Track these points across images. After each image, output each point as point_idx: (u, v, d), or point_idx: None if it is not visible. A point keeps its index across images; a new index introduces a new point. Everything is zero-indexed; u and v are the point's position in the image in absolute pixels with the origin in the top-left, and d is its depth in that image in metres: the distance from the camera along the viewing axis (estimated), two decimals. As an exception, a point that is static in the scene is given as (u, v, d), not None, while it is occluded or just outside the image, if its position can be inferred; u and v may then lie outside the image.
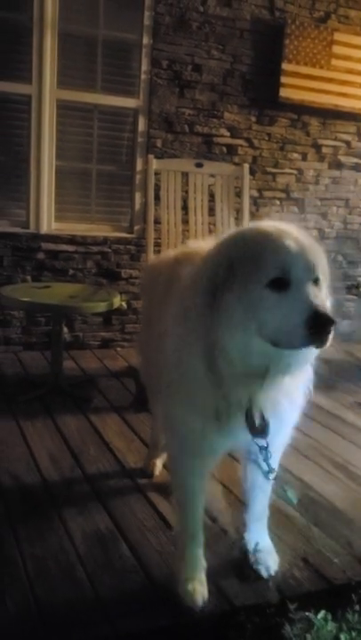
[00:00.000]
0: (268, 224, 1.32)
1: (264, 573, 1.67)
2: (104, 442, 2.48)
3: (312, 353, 1.32)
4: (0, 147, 3.56)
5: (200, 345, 1.31)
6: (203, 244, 1.79)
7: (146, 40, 3.65)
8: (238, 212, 3.22)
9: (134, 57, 3.69)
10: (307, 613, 1.51)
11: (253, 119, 3.99)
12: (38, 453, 2.33)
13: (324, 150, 4.25)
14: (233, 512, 1.96)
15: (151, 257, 2.94)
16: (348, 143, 4.31)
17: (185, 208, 3.10)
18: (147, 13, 3.62)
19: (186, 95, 3.79)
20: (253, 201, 4.01)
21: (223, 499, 2.06)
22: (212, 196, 3.14)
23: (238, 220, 3.20)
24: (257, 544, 1.72)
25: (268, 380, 1.31)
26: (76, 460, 2.30)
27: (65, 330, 3.53)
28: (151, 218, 3.03)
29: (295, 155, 4.17)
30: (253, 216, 4.01)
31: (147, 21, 3.63)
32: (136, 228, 3.85)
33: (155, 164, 3.03)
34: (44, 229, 3.66)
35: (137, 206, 3.84)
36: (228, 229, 3.08)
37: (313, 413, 2.53)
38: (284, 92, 3.93)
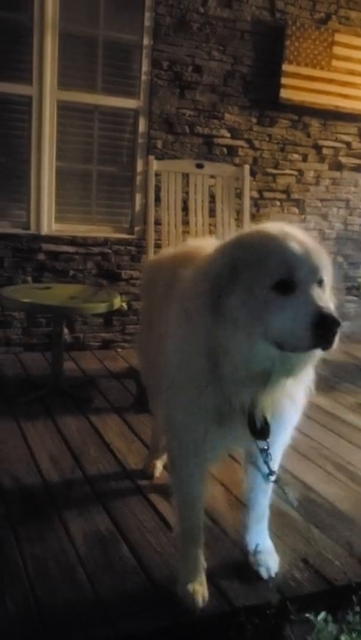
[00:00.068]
0: (272, 226, 1.32)
1: (264, 574, 1.67)
2: (104, 443, 2.48)
3: (316, 354, 1.32)
4: (0, 148, 3.57)
5: (202, 347, 1.31)
6: (203, 243, 1.79)
7: (146, 41, 3.65)
8: (239, 212, 3.22)
9: (135, 58, 3.69)
10: (307, 615, 1.51)
11: (254, 120, 3.99)
12: (39, 454, 2.33)
13: (325, 151, 4.25)
14: (233, 513, 1.96)
15: (151, 257, 2.94)
16: (348, 144, 4.31)
17: (185, 209, 3.11)
18: (147, 14, 3.62)
19: (186, 96, 3.79)
20: (254, 202, 4.01)
21: (223, 500, 2.06)
22: (212, 197, 3.14)
23: (239, 220, 3.20)
24: (257, 545, 1.71)
25: (272, 382, 1.30)
26: (77, 461, 2.30)
27: (65, 331, 3.53)
28: (152, 219, 3.04)
29: (296, 156, 4.17)
30: (254, 217, 4.01)
31: (147, 22, 3.63)
32: (136, 229, 3.85)
33: (155, 164, 3.04)
34: (45, 230, 3.66)
35: (137, 207, 3.84)
36: (228, 230, 3.13)
37: (313, 414, 2.53)
38: (284, 94, 3.93)
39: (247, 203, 3.22)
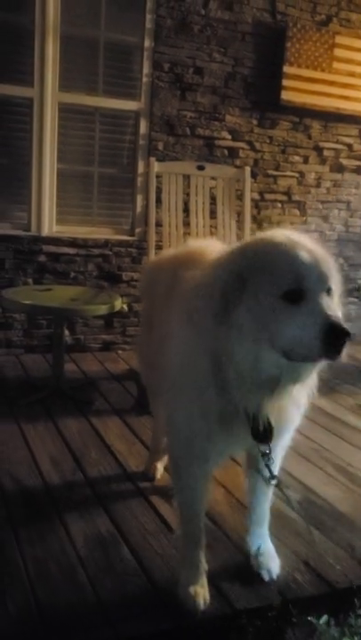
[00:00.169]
0: (280, 234, 1.31)
1: (266, 577, 1.66)
2: (105, 445, 2.48)
3: (323, 361, 1.31)
4: (2, 149, 3.57)
5: (206, 351, 1.31)
6: (204, 244, 1.79)
7: (147, 43, 3.66)
8: (240, 214, 3.22)
9: (136, 60, 3.70)
10: (309, 617, 1.51)
11: (255, 122, 4.00)
12: (40, 456, 2.33)
13: (326, 153, 4.26)
14: (235, 515, 1.96)
15: (152, 258, 2.94)
16: (349, 146, 4.31)
17: (186, 211, 3.11)
18: (148, 16, 3.63)
19: (187, 98, 3.80)
20: (255, 204, 4.02)
21: (225, 502, 2.06)
22: (213, 199, 3.14)
23: (240, 222, 3.20)
24: (259, 548, 1.71)
25: (279, 389, 1.30)
26: (78, 463, 2.30)
27: (66, 332, 3.53)
28: (152, 220, 3.04)
29: (297, 157, 4.18)
30: (255, 219, 4.02)
31: (148, 24, 3.64)
32: (137, 230, 3.86)
33: (156, 166, 3.04)
34: (46, 232, 3.66)
35: (138, 209, 3.84)
36: (229, 232, 3.13)
37: (314, 415, 2.52)
38: (285, 95, 3.93)
39: (248, 204, 3.22)
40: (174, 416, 1.54)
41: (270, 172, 4.12)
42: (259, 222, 4.12)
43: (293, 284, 1.20)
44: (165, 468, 2.17)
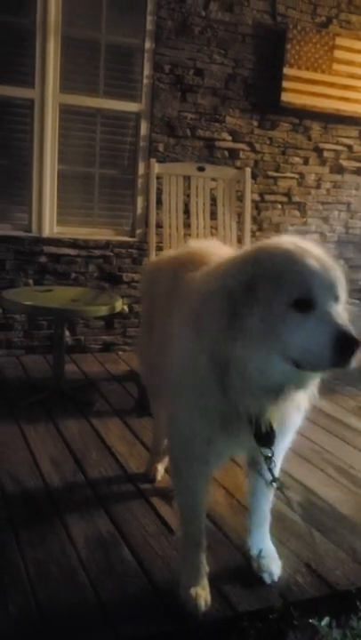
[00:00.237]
0: (288, 241, 1.31)
1: (267, 579, 1.66)
2: (106, 446, 2.47)
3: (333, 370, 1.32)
4: (3, 150, 3.57)
5: (211, 354, 1.30)
6: (204, 245, 1.79)
7: (148, 44, 3.66)
8: (240, 215, 3.22)
9: (137, 61, 3.70)
10: (311, 620, 1.50)
11: (255, 123, 4.00)
12: (40, 457, 2.33)
13: (326, 154, 4.26)
14: (235, 517, 1.96)
15: (152, 259, 2.94)
16: (349, 147, 4.31)
17: (187, 212, 3.11)
18: (149, 18, 3.63)
19: (188, 99, 3.80)
20: (255, 205, 4.02)
21: (226, 503, 2.05)
22: (213, 200, 3.14)
23: (240, 223, 3.20)
24: (260, 551, 1.71)
25: (283, 396, 1.31)
26: (78, 465, 2.29)
27: (67, 333, 3.53)
28: (153, 221, 3.04)
29: (297, 159, 4.18)
30: (255, 220, 4.03)
31: (149, 26, 3.64)
32: (138, 231, 3.86)
33: (157, 167, 3.04)
34: (47, 233, 3.66)
35: (139, 210, 3.84)
36: (230, 233, 3.13)
37: (315, 417, 2.52)
38: (285, 97, 3.94)
39: (248, 205, 3.22)
40: (175, 417, 1.53)
41: (270, 173, 4.12)
42: (259, 223, 4.12)
43: (304, 294, 1.20)
44: (166, 470, 2.17)
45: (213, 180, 3.17)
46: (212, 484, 1.69)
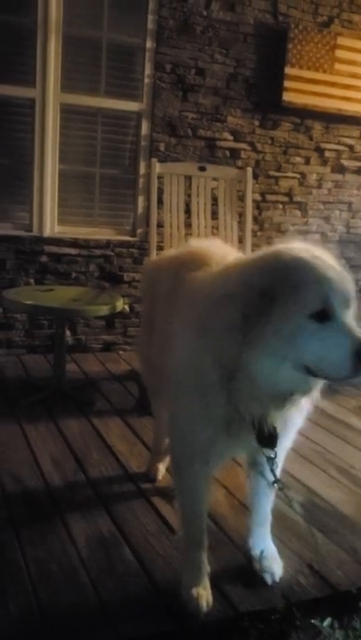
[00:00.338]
0: (303, 249, 1.30)
1: (269, 580, 1.65)
2: (107, 446, 2.47)
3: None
4: (4, 150, 3.57)
5: (215, 360, 1.30)
6: (205, 244, 1.78)
7: (149, 44, 3.66)
8: (241, 215, 3.22)
9: (138, 61, 3.70)
10: (313, 621, 1.50)
11: (257, 123, 4.00)
12: (41, 457, 2.32)
13: (327, 154, 4.25)
14: (237, 517, 1.95)
15: (153, 258, 2.93)
16: (351, 147, 4.31)
17: (188, 211, 3.10)
18: (150, 17, 3.63)
19: (189, 99, 3.79)
20: (256, 204, 4.02)
21: (227, 503, 2.05)
22: (214, 200, 3.14)
23: (241, 223, 3.20)
24: (262, 551, 1.70)
25: (289, 401, 1.31)
26: (79, 464, 2.29)
27: (67, 333, 3.52)
28: (154, 221, 3.04)
29: (298, 159, 4.17)
30: (256, 220, 4.02)
31: (150, 25, 3.64)
32: (139, 231, 3.85)
33: (158, 167, 3.04)
34: (47, 232, 3.66)
35: (140, 210, 3.84)
36: (231, 233, 3.13)
37: (316, 417, 2.51)
38: (287, 97, 3.93)
39: (250, 205, 3.21)
40: (176, 417, 1.53)
41: (272, 172, 4.11)
42: (260, 223, 4.12)
43: (321, 304, 1.20)
44: (167, 469, 2.17)
45: (215, 179, 3.16)
46: (213, 483, 1.69)
